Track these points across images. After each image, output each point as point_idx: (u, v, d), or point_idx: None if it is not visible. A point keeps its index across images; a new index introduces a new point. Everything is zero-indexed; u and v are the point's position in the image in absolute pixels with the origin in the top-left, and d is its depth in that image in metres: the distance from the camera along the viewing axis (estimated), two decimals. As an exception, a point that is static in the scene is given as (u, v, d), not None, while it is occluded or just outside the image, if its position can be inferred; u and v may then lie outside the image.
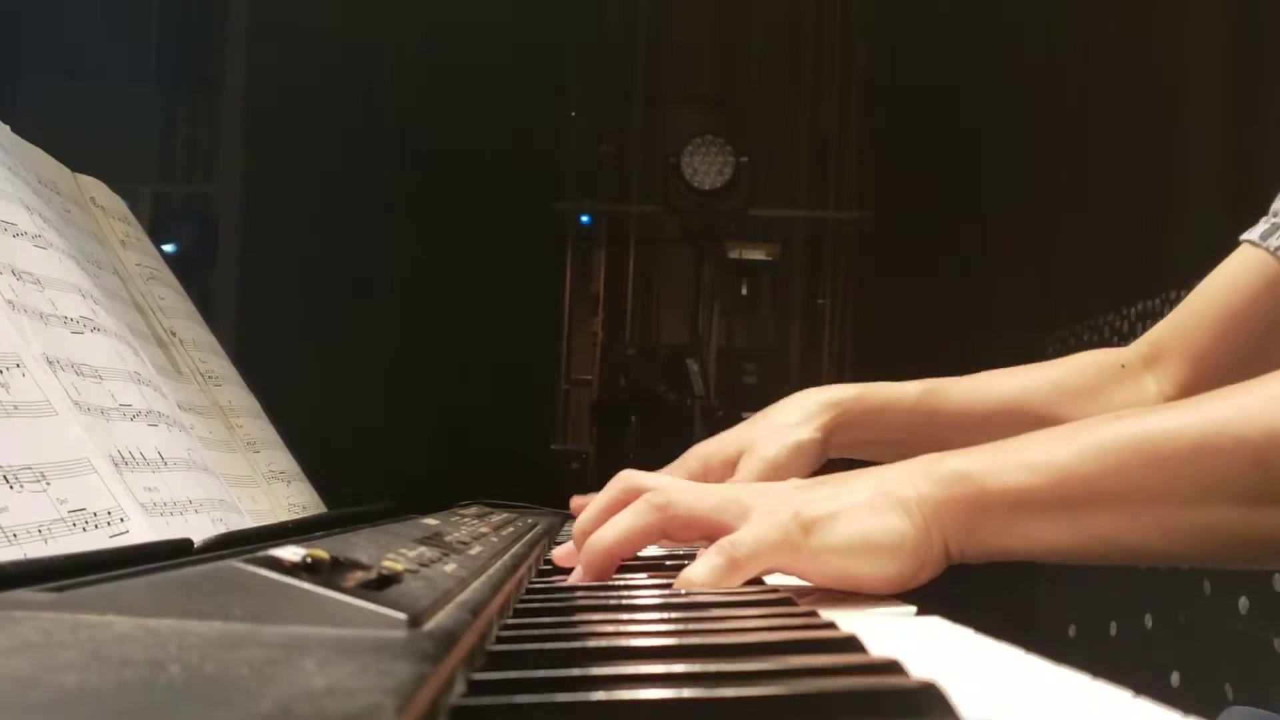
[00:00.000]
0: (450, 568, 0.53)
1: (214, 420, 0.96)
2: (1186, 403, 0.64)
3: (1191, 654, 2.06)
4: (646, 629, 0.50)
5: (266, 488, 1.00)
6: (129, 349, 0.77)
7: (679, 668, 0.38)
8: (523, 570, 0.66)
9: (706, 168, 4.07)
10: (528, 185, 4.00)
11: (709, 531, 0.67)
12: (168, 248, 3.58)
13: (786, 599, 0.58)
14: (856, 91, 4.67)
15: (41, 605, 0.36)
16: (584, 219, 4.77)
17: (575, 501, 0.98)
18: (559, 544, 0.81)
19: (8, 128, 0.82)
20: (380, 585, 0.42)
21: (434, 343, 3.62)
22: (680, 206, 4.20)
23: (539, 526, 0.97)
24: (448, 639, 0.36)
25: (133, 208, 1.05)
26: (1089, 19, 2.98)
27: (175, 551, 0.54)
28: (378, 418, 3.36)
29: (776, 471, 0.93)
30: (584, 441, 4.62)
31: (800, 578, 0.66)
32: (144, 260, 1.00)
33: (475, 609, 0.43)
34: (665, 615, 0.54)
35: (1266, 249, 0.93)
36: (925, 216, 3.81)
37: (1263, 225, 0.95)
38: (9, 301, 0.64)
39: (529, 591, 0.65)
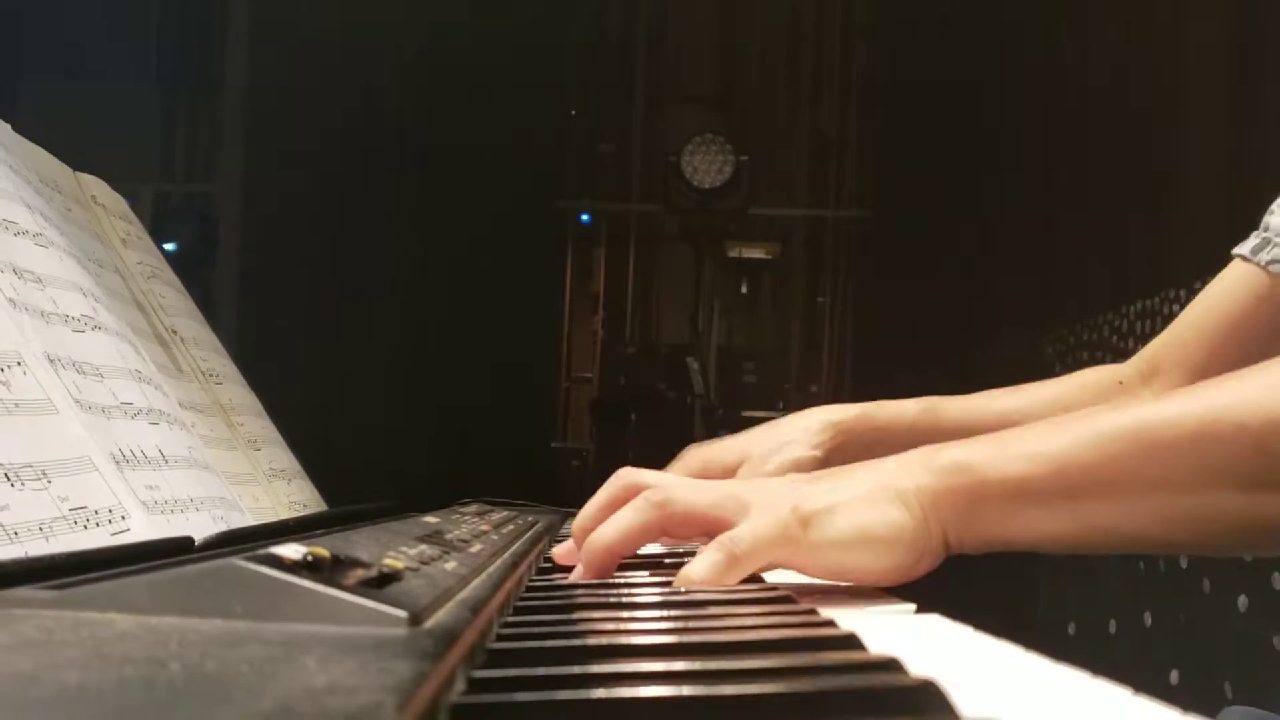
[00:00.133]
0: (451, 566, 0.53)
1: (215, 418, 0.96)
2: (1185, 391, 0.64)
3: (1191, 652, 2.06)
4: (646, 627, 0.50)
5: (267, 486, 1.00)
6: (130, 347, 0.77)
7: (679, 665, 0.38)
8: (523, 568, 0.66)
9: (706, 166, 4.07)
10: (528, 184, 4.00)
11: (708, 528, 0.67)
12: (168, 246, 3.57)
13: (786, 597, 0.58)
14: (856, 91, 4.67)
15: (43, 603, 0.36)
16: (584, 218, 4.77)
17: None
18: (559, 542, 0.81)
19: (9, 127, 0.82)
20: (381, 583, 0.42)
21: (434, 342, 3.62)
22: (680, 205, 4.20)
23: (539, 524, 0.97)
24: (448, 637, 0.36)
25: (133, 206, 1.05)
26: (1089, 19, 2.98)
27: (176, 549, 0.54)
28: (378, 416, 3.36)
29: None
30: (584, 439, 4.63)
31: (800, 572, 0.66)
32: (145, 259, 1.00)
33: (476, 607, 0.43)
34: (665, 613, 0.54)
35: (1258, 264, 0.94)
36: (925, 215, 3.81)
37: (1254, 240, 0.96)
38: (10, 300, 0.64)
39: (529, 589, 0.65)
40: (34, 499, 0.57)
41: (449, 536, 0.68)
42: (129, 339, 0.78)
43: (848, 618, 0.50)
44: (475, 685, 0.35)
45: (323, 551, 0.41)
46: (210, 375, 1.00)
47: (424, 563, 0.51)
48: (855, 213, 4.61)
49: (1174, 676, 2.08)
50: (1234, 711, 0.99)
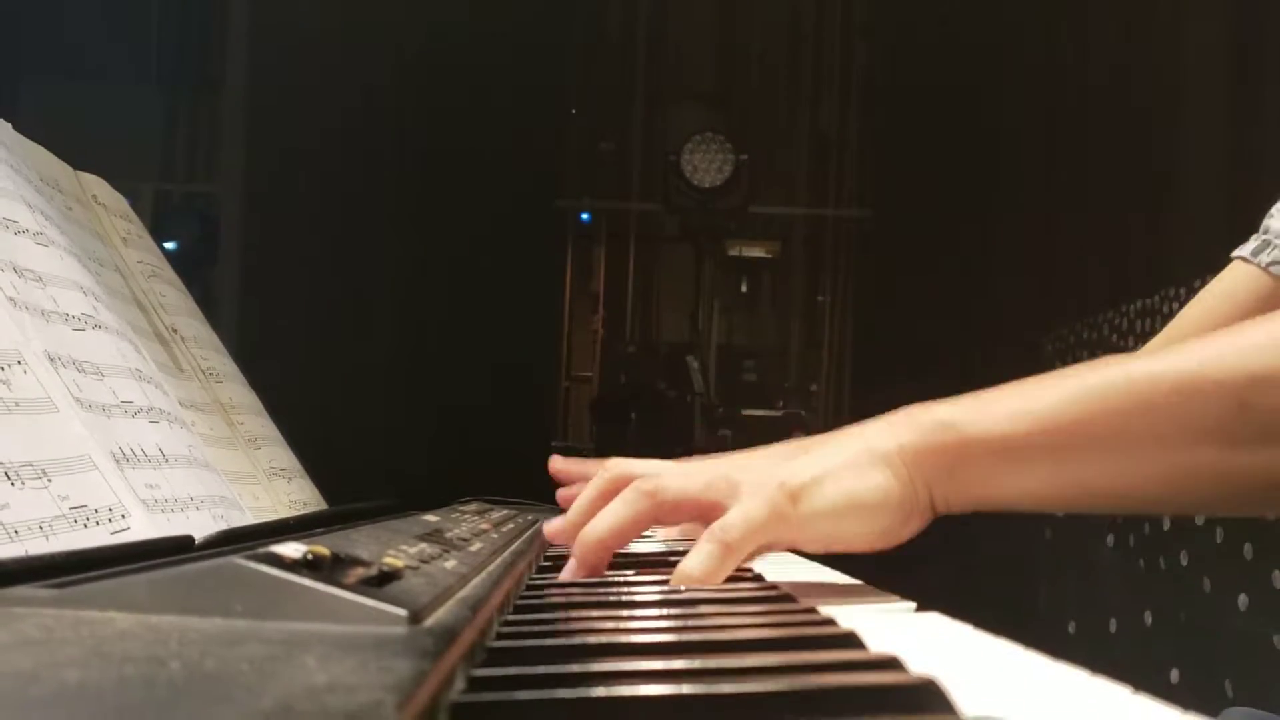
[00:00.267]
0: (450, 564, 0.53)
1: (215, 417, 0.96)
2: (1167, 349, 0.64)
3: (1191, 651, 2.06)
4: (646, 625, 0.50)
5: (267, 484, 1.00)
6: (130, 346, 0.77)
7: (678, 664, 0.38)
8: (522, 567, 0.66)
9: (706, 165, 4.07)
10: (528, 183, 4.00)
11: (701, 512, 0.67)
12: (169, 245, 3.58)
13: (786, 595, 0.58)
14: (856, 91, 4.66)
15: (43, 602, 0.36)
16: (584, 217, 4.77)
17: (562, 495, 0.96)
18: (559, 546, 0.81)
19: (9, 126, 0.82)
20: (381, 582, 0.42)
21: (434, 341, 3.62)
22: (680, 204, 4.19)
23: (539, 523, 0.97)
24: (448, 635, 0.36)
25: (134, 206, 1.05)
26: (1089, 19, 2.98)
27: (176, 548, 0.54)
28: (378, 415, 3.36)
29: None
30: (584, 439, 4.62)
31: (793, 545, 0.66)
32: (145, 258, 1.00)
33: (475, 605, 0.43)
34: (664, 611, 0.54)
35: (1258, 265, 0.95)
36: (925, 214, 3.81)
37: (1254, 242, 0.97)
38: (11, 299, 0.64)
39: (529, 588, 0.65)
40: (34, 498, 0.57)
41: (449, 535, 0.68)
42: (129, 338, 0.78)
43: (847, 616, 0.50)
44: (475, 683, 0.35)
45: (323, 550, 0.41)
46: (210, 374, 1.00)
47: (424, 561, 0.52)
48: (855, 212, 4.61)
49: (1174, 675, 2.08)
50: (1234, 713, 0.98)
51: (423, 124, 3.73)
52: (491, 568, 0.58)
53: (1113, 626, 2.43)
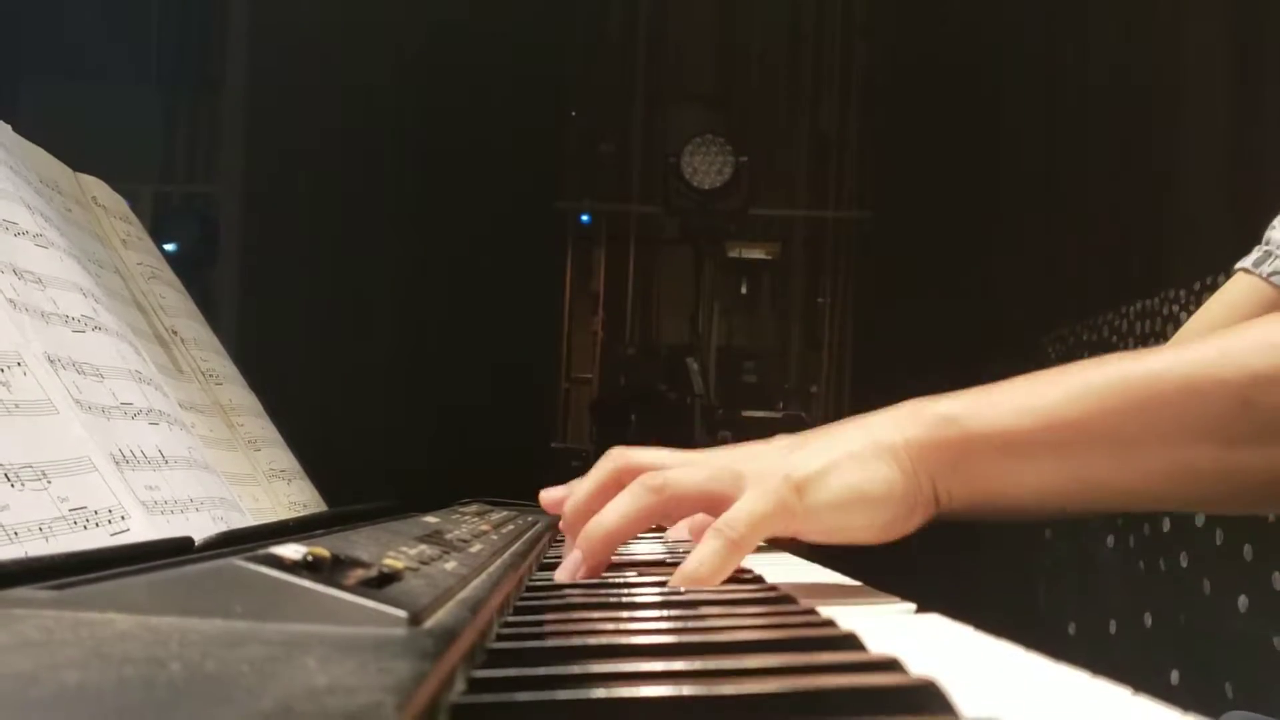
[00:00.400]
0: (451, 566, 0.53)
1: (215, 419, 0.96)
2: (1170, 346, 0.65)
3: (1191, 652, 2.06)
4: (646, 626, 0.50)
5: (267, 486, 1.00)
6: (130, 348, 0.77)
7: (679, 665, 0.38)
8: (523, 568, 0.66)
9: (706, 167, 4.07)
10: (528, 185, 4.00)
11: (706, 505, 0.67)
12: (169, 247, 3.57)
13: (786, 596, 0.58)
14: (856, 91, 4.67)
15: (42, 603, 0.36)
16: (584, 218, 4.77)
17: (546, 496, 0.86)
18: (559, 542, 0.81)
19: (9, 127, 0.82)
20: (381, 583, 0.42)
21: (434, 342, 3.62)
22: (680, 206, 4.20)
23: (539, 525, 0.97)
24: (448, 637, 0.36)
25: (134, 207, 1.05)
26: (1089, 19, 2.98)
27: (176, 550, 0.54)
28: (378, 416, 3.36)
29: None
30: (584, 440, 4.62)
31: (797, 536, 0.66)
32: (145, 259, 1.00)
33: (475, 607, 0.43)
34: (665, 613, 0.54)
35: (1260, 275, 0.95)
36: (925, 216, 3.81)
37: (1256, 253, 0.98)
38: (10, 300, 0.64)
39: (529, 589, 0.65)
40: (34, 499, 0.57)
41: (449, 536, 0.68)
42: (129, 339, 0.78)
43: (847, 617, 0.50)
44: (475, 685, 0.35)
45: (323, 551, 0.41)
46: (210, 376, 1.00)
47: (424, 563, 0.51)
48: (855, 213, 4.61)
49: (1174, 677, 2.08)
50: (1234, 716, 0.99)
51: (423, 125, 3.74)
52: (492, 569, 0.58)
53: (1113, 628, 2.43)
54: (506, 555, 0.67)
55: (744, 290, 4.72)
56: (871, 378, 4.02)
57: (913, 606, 0.61)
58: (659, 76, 4.80)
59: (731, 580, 0.65)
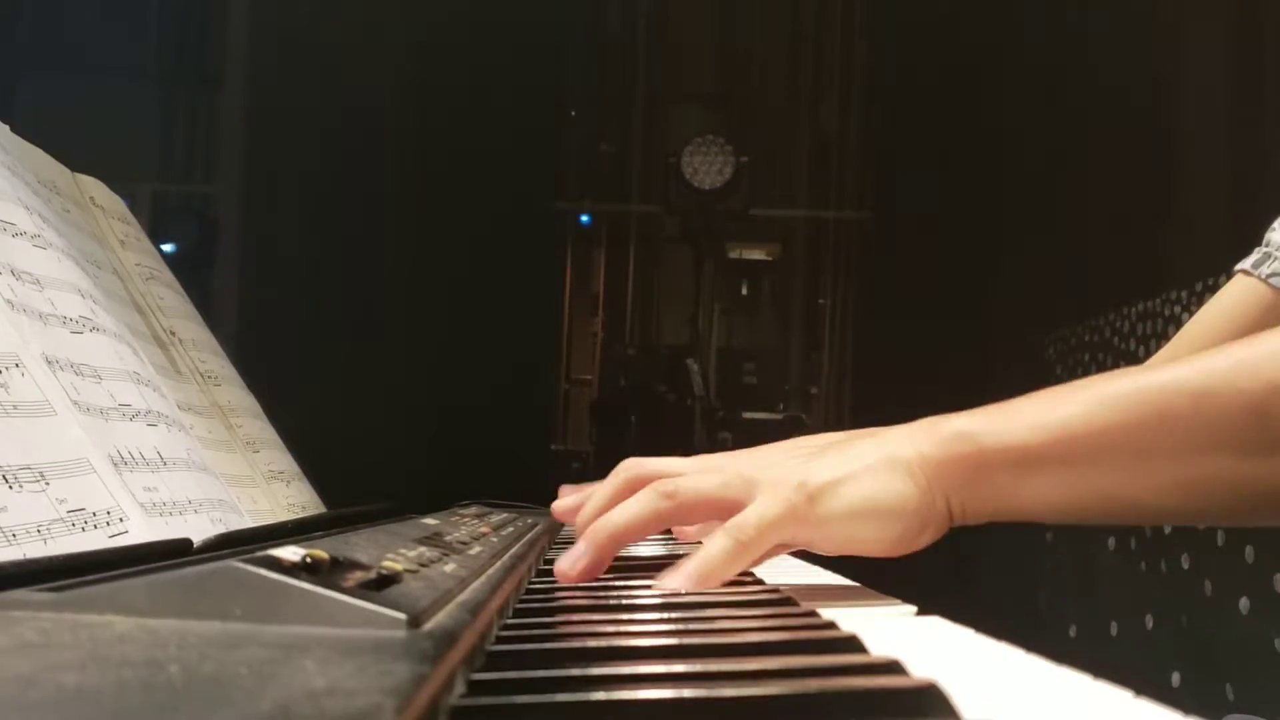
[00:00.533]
0: (450, 568, 0.53)
1: (213, 420, 0.96)
2: (1186, 358, 0.65)
3: (1192, 654, 2.06)
4: (646, 629, 0.50)
5: (266, 488, 0.99)
6: (128, 349, 0.77)
7: (679, 667, 0.38)
8: (522, 570, 0.66)
9: (706, 167, 4.07)
10: (528, 185, 4.00)
11: (717, 512, 0.68)
12: (167, 247, 3.57)
13: (787, 599, 0.58)
14: (857, 91, 4.67)
15: (41, 605, 0.36)
16: (584, 219, 4.77)
17: (563, 498, 0.93)
18: (559, 544, 0.81)
19: (7, 127, 0.82)
20: (380, 585, 0.42)
21: (433, 343, 3.62)
22: (680, 206, 4.19)
23: (539, 526, 0.97)
24: (447, 639, 0.36)
25: (132, 207, 1.05)
26: (1089, 19, 2.98)
27: (174, 551, 0.54)
28: (377, 417, 3.36)
29: None
30: (584, 441, 4.62)
31: (808, 547, 0.67)
32: (143, 260, 1.00)
33: (475, 609, 0.43)
34: (665, 615, 0.54)
35: (1259, 277, 0.96)
36: (926, 216, 3.81)
37: (1255, 254, 0.98)
38: (8, 301, 0.64)
39: (529, 591, 0.65)
40: (32, 501, 0.57)
41: (448, 538, 0.68)
42: (127, 340, 0.78)
43: (849, 619, 0.50)
44: (475, 687, 0.35)
45: (321, 554, 0.41)
46: (209, 377, 1.00)
47: (423, 565, 0.51)
48: (856, 213, 4.61)
49: (1175, 679, 2.08)
50: (1234, 719, 0.99)
51: (422, 124, 3.74)
52: (491, 571, 0.58)
53: (1114, 630, 2.43)
54: (506, 557, 0.67)
55: (744, 291, 4.71)
56: (872, 379, 4.02)
57: (914, 609, 0.61)
58: (659, 76, 4.79)
59: (732, 582, 0.65)
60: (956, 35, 3.74)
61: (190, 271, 2.63)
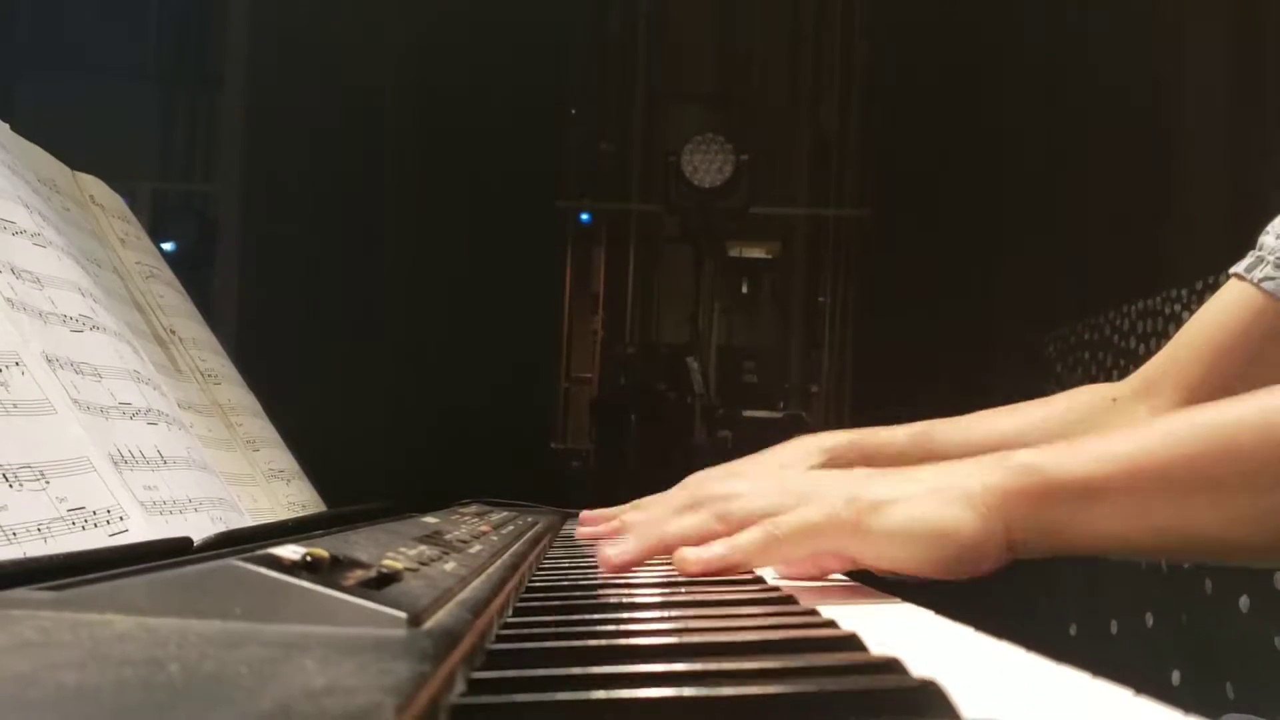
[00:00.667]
0: (450, 566, 0.53)
1: (213, 419, 0.96)
2: (1254, 393, 0.65)
3: (1192, 653, 2.06)
4: (647, 628, 0.50)
5: (266, 486, 0.99)
6: (128, 347, 0.77)
7: (679, 666, 0.38)
8: (523, 569, 0.66)
9: (707, 166, 4.07)
10: (527, 183, 3.99)
11: None
12: (167, 246, 3.58)
13: (787, 597, 0.58)
14: (857, 89, 4.66)
15: (41, 604, 0.36)
16: (584, 217, 4.77)
17: (585, 518, 0.98)
18: (559, 543, 0.81)
19: (7, 126, 0.82)
20: (380, 584, 0.41)
21: (433, 341, 3.62)
22: (680, 205, 4.19)
23: (539, 525, 0.97)
24: (448, 638, 0.36)
25: (131, 206, 1.05)
26: (1090, 19, 2.98)
27: (174, 550, 0.54)
28: (377, 416, 3.36)
29: None
30: (584, 440, 4.62)
31: (858, 559, 0.67)
32: (143, 258, 1.00)
33: (475, 608, 0.43)
34: (665, 614, 0.54)
35: (1251, 281, 0.96)
36: (926, 214, 3.81)
37: (1249, 258, 0.98)
38: (8, 300, 0.64)
39: (529, 590, 0.65)
40: (32, 500, 0.57)
41: (448, 537, 0.68)
42: (127, 339, 0.78)
43: (849, 618, 0.50)
44: (475, 686, 0.35)
45: (321, 552, 0.41)
46: (209, 375, 1.00)
47: (423, 564, 0.51)
48: (856, 211, 4.61)
49: (1175, 677, 2.08)
50: (1232, 719, 0.99)
51: (422, 124, 3.73)
52: (491, 570, 0.58)
53: (1114, 628, 2.43)
54: (506, 556, 0.67)
55: (744, 289, 4.71)
56: (872, 377, 4.01)
57: (914, 607, 0.61)
58: (659, 76, 4.79)
59: (733, 581, 0.65)
60: (956, 35, 3.73)
61: (190, 270, 2.62)
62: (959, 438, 1.03)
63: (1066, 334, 2.86)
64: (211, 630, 0.35)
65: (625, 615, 0.54)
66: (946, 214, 3.71)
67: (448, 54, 3.71)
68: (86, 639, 0.32)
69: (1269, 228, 0.97)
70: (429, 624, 0.39)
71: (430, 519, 0.84)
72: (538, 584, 0.68)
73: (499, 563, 0.62)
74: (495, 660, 0.40)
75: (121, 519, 0.62)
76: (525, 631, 0.48)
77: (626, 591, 0.65)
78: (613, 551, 0.70)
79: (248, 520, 0.82)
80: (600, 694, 0.33)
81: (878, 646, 0.41)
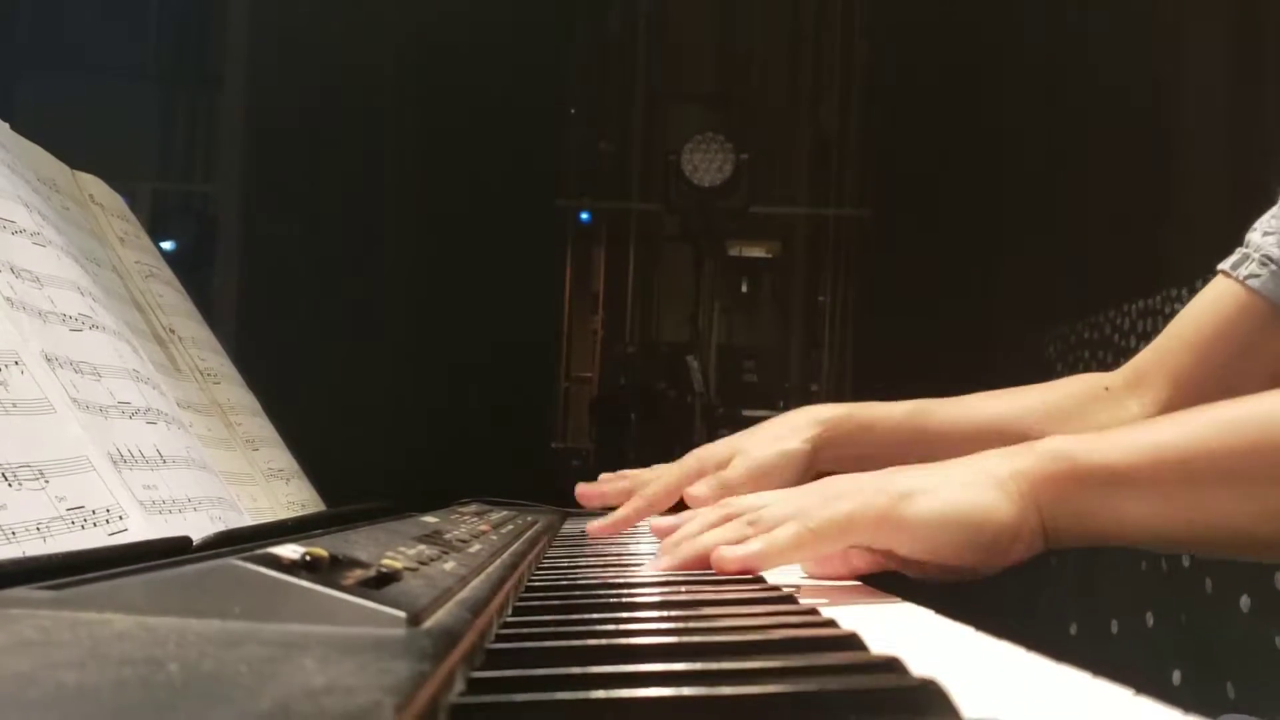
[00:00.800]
0: (450, 566, 0.53)
1: (213, 418, 0.96)
2: (1273, 392, 0.65)
3: (1193, 652, 2.06)
4: (647, 627, 0.50)
5: (265, 486, 0.99)
6: (128, 347, 0.77)
7: (679, 666, 0.38)
8: (522, 568, 0.66)
9: (707, 165, 4.07)
10: (527, 183, 4.00)
11: None
12: (166, 245, 3.58)
13: (787, 597, 0.58)
14: (857, 89, 4.66)
15: (40, 603, 0.36)
16: (584, 216, 4.77)
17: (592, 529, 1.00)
18: (558, 543, 0.81)
19: (7, 125, 0.82)
20: (379, 583, 0.41)
21: (433, 341, 3.62)
22: (680, 204, 4.19)
23: (538, 524, 0.97)
24: (447, 637, 0.36)
25: (131, 205, 1.05)
26: (1090, 19, 2.98)
27: (174, 549, 0.54)
28: (377, 415, 3.36)
29: (763, 473, 0.97)
30: (584, 439, 4.62)
31: (894, 550, 0.67)
32: (143, 258, 1.00)
33: (475, 607, 0.43)
34: (665, 613, 0.54)
35: (1236, 279, 0.97)
36: (926, 214, 3.81)
37: (1235, 256, 0.99)
38: (8, 299, 0.64)
39: (529, 589, 0.65)
40: (31, 499, 0.56)
41: (448, 537, 0.68)
42: (127, 338, 0.78)
43: (849, 617, 0.50)
44: (474, 686, 0.35)
45: (321, 552, 0.41)
46: (208, 375, 1.00)
47: (423, 563, 0.51)
48: (856, 211, 4.61)
49: (1176, 677, 2.08)
50: (1231, 719, 1.00)
51: (422, 124, 3.73)
52: (491, 569, 0.58)
53: (1114, 628, 2.43)
54: (506, 555, 0.66)
55: (744, 289, 4.71)
56: (872, 376, 4.01)
57: (914, 606, 0.61)
58: (659, 76, 4.79)
59: (733, 581, 0.65)
60: (956, 35, 3.73)
61: (189, 270, 2.62)
62: (956, 415, 1.03)
63: (1066, 333, 2.86)
64: (211, 629, 0.35)
65: (625, 615, 0.54)
66: (946, 214, 3.71)
67: (447, 54, 3.71)
68: (86, 638, 0.32)
69: (1256, 225, 0.99)
70: (428, 623, 0.39)
71: (430, 518, 0.84)
72: (537, 583, 0.68)
73: (498, 562, 0.62)
74: (495, 660, 0.40)
75: (121, 518, 0.62)
76: (525, 631, 0.48)
77: (626, 591, 0.65)
78: (663, 565, 0.71)
79: (247, 520, 0.82)
80: (600, 693, 0.33)
81: (878, 646, 0.41)
